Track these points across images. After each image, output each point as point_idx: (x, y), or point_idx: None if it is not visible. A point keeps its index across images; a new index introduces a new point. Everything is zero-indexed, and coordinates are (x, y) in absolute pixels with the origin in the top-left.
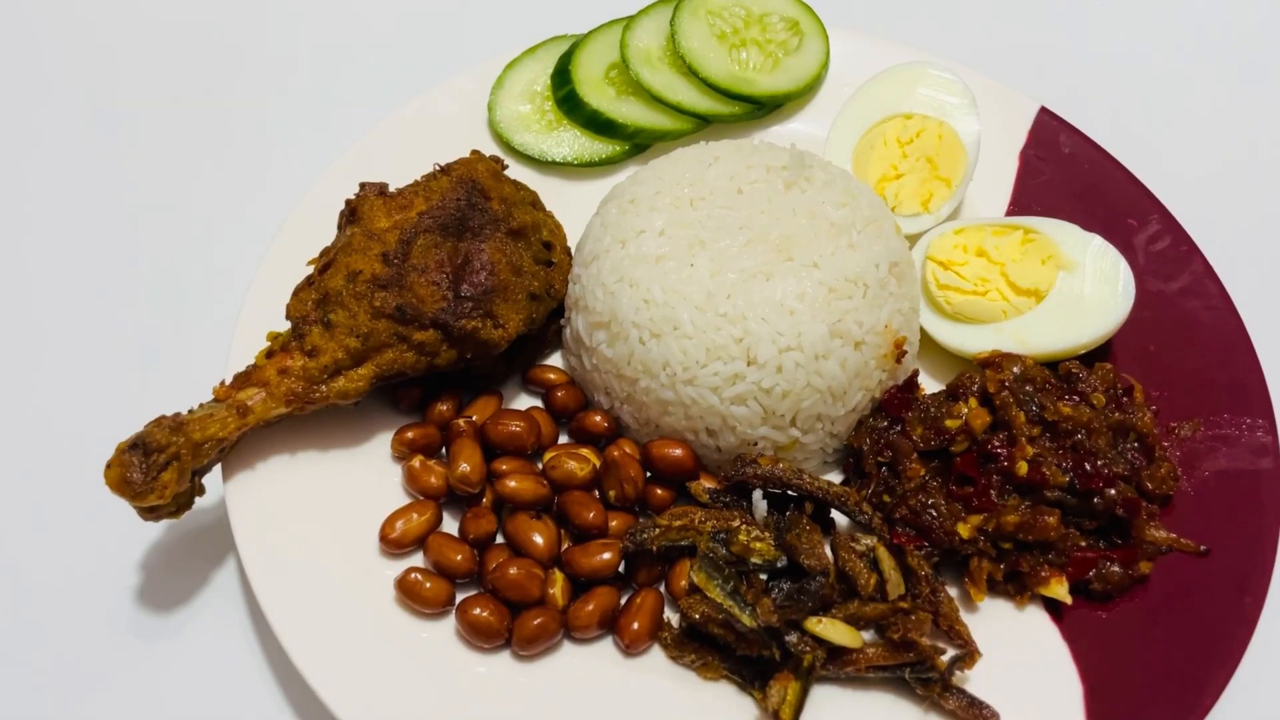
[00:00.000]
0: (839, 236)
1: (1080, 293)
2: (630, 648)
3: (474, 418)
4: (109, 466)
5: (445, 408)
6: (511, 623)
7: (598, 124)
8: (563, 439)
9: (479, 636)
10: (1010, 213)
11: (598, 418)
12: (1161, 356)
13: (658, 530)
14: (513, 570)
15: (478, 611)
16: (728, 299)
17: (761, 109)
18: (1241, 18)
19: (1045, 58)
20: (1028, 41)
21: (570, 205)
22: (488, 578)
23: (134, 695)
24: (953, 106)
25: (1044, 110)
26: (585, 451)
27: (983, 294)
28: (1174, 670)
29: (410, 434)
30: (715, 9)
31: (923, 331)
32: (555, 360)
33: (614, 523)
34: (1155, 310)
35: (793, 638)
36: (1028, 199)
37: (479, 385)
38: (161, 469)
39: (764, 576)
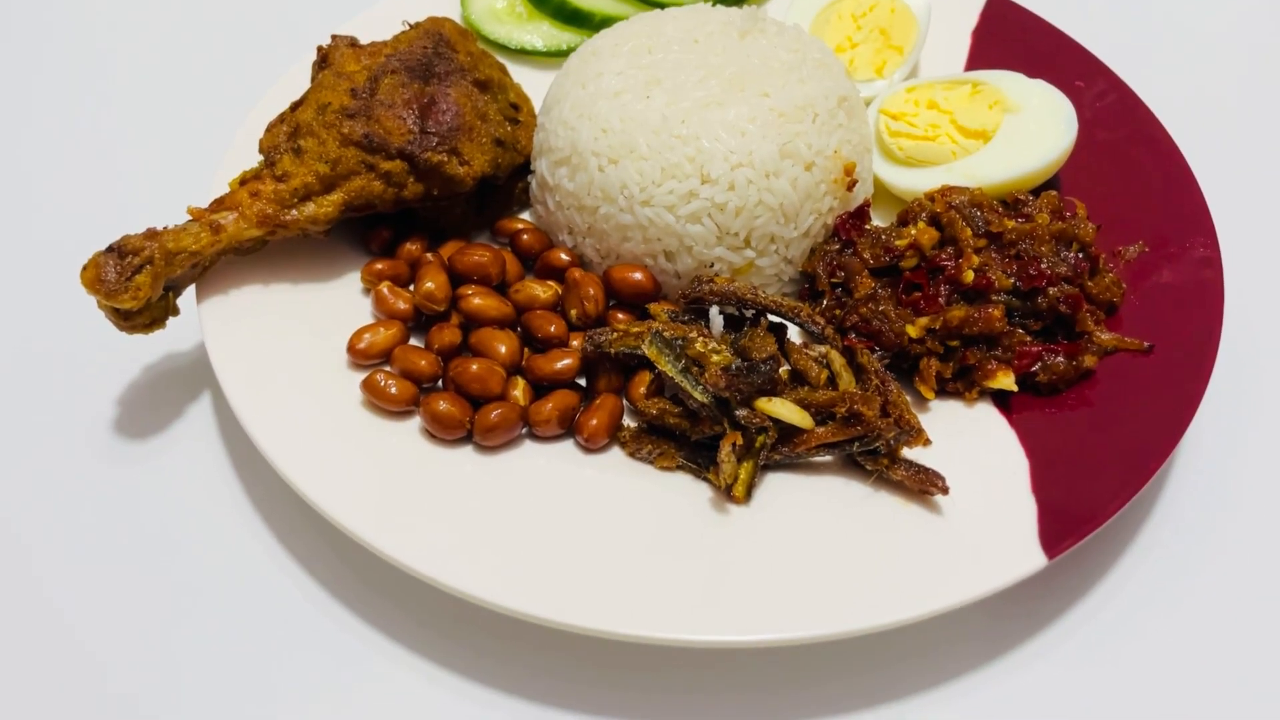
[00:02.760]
0: (789, 73)
1: (1026, 129)
2: (589, 441)
3: (442, 254)
4: (85, 267)
5: (414, 247)
6: (473, 416)
7: (565, 13)
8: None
9: (442, 428)
10: None
11: (561, 254)
12: (1109, 195)
13: (615, 334)
14: (474, 366)
15: (441, 405)
16: (682, 124)
17: None
18: None
19: None
20: None
21: (540, 89)
22: (450, 377)
23: (115, 514)
24: None
25: None
26: (549, 283)
27: (933, 138)
28: (1118, 447)
29: (379, 265)
30: None
31: (876, 181)
32: (524, 217)
33: (575, 341)
34: (1101, 157)
35: (744, 412)
36: (979, 69)
37: (449, 235)
38: (135, 270)
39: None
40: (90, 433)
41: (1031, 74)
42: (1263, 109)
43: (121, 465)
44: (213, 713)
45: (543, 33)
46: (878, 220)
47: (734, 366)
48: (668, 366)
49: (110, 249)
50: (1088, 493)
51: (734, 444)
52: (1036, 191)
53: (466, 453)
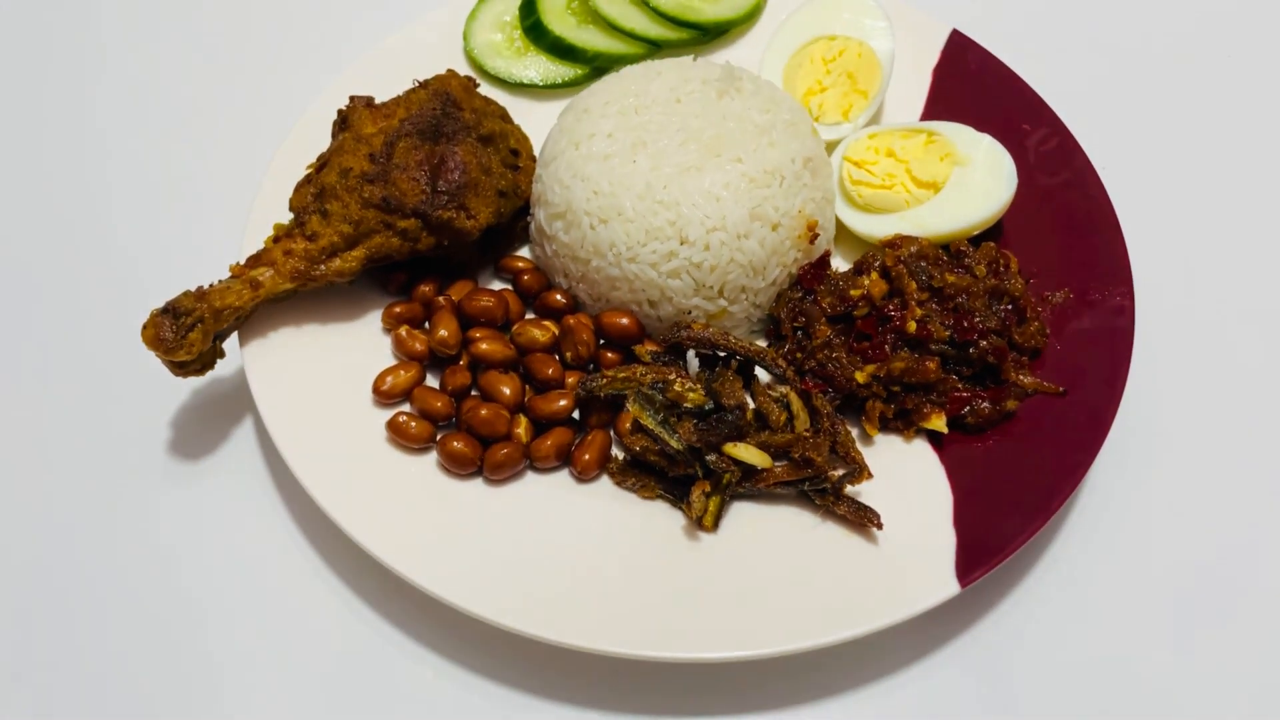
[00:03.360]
0: (761, 136)
1: (971, 183)
2: (582, 474)
3: (452, 296)
4: (145, 327)
5: (428, 288)
6: (483, 454)
7: (560, 49)
8: (529, 316)
9: (456, 465)
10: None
11: (558, 295)
12: (1043, 238)
13: (604, 380)
14: (484, 411)
15: (456, 445)
16: (664, 189)
17: (706, 35)
18: None
19: None
20: None
21: (538, 122)
22: (463, 419)
23: (163, 535)
24: (871, 28)
25: (955, 32)
26: (547, 323)
27: (889, 187)
28: (1029, 482)
29: (398, 309)
30: None
31: (838, 222)
32: (523, 253)
33: (570, 379)
34: (1040, 202)
35: (712, 457)
36: (938, 109)
37: (457, 273)
38: (189, 329)
39: (694, 420)
40: (143, 453)
41: (985, 113)
42: (1194, 157)
43: (171, 485)
44: None
45: (539, 67)
46: (840, 257)
47: (702, 423)
48: (648, 420)
49: (165, 310)
50: (999, 526)
51: (703, 490)
52: (978, 240)
53: (477, 484)
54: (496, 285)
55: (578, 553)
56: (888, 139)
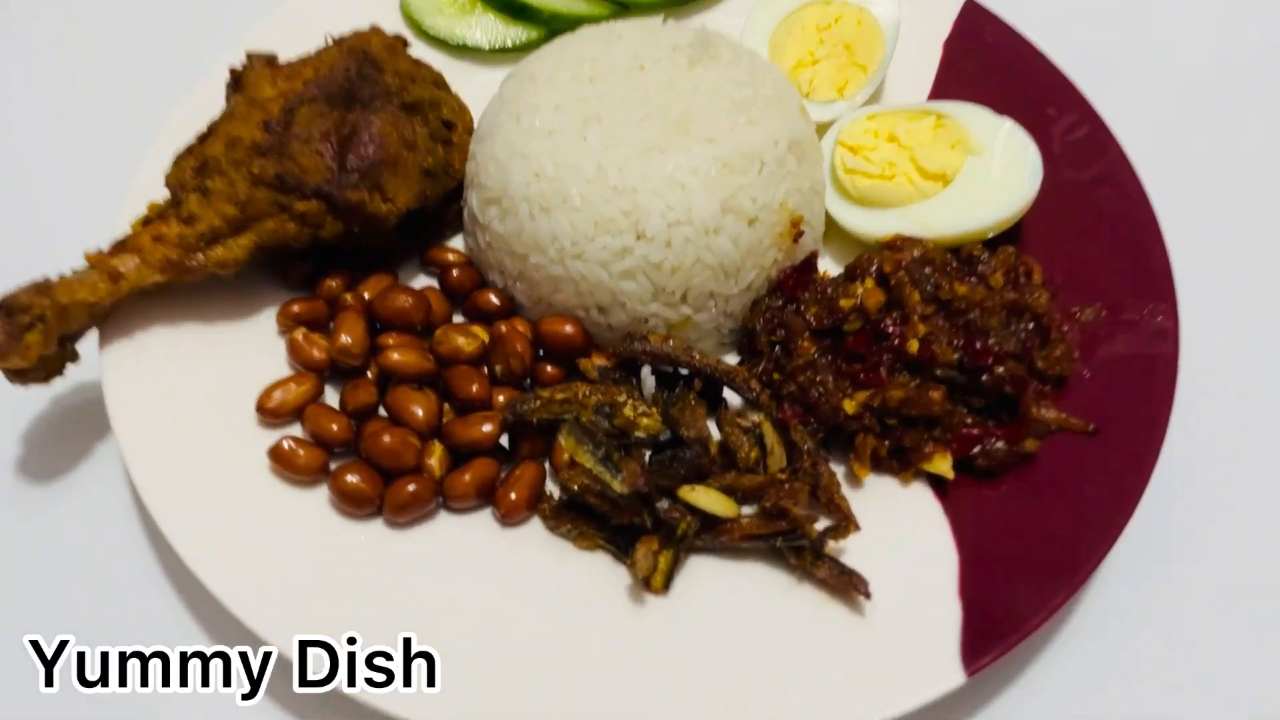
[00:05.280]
0: (738, 113)
1: (987, 176)
2: (506, 517)
3: (364, 294)
4: None
5: (335, 284)
6: (384, 490)
7: (512, 8)
8: (457, 320)
9: (350, 504)
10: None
11: (491, 296)
12: (1070, 244)
13: (538, 402)
14: (386, 437)
15: (350, 478)
16: (619, 172)
17: None
18: None
19: None
20: None
21: (482, 90)
22: (363, 446)
23: (9, 568)
24: None
25: (970, 1)
26: (475, 329)
27: (889, 178)
28: (1049, 547)
29: (296, 308)
30: None
31: (828, 218)
32: (457, 243)
33: (500, 399)
34: (1067, 198)
35: (665, 504)
36: (949, 88)
37: (374, 264)
38: (26, 329)
39: (648, 453)
40: None
41: (1003, 94)
42: (1244, 154)
43: (19, 511)
44: None
45: (487, 27)
46: (830, 259)
47: (653, 461)
48: (585, 458)
49: None
50: (1014, 598)
51: (651, 548)
52: (994, 244)
53: (376, 527)
54: (422, 281)
55: (496, 617)
56: (889, 121)
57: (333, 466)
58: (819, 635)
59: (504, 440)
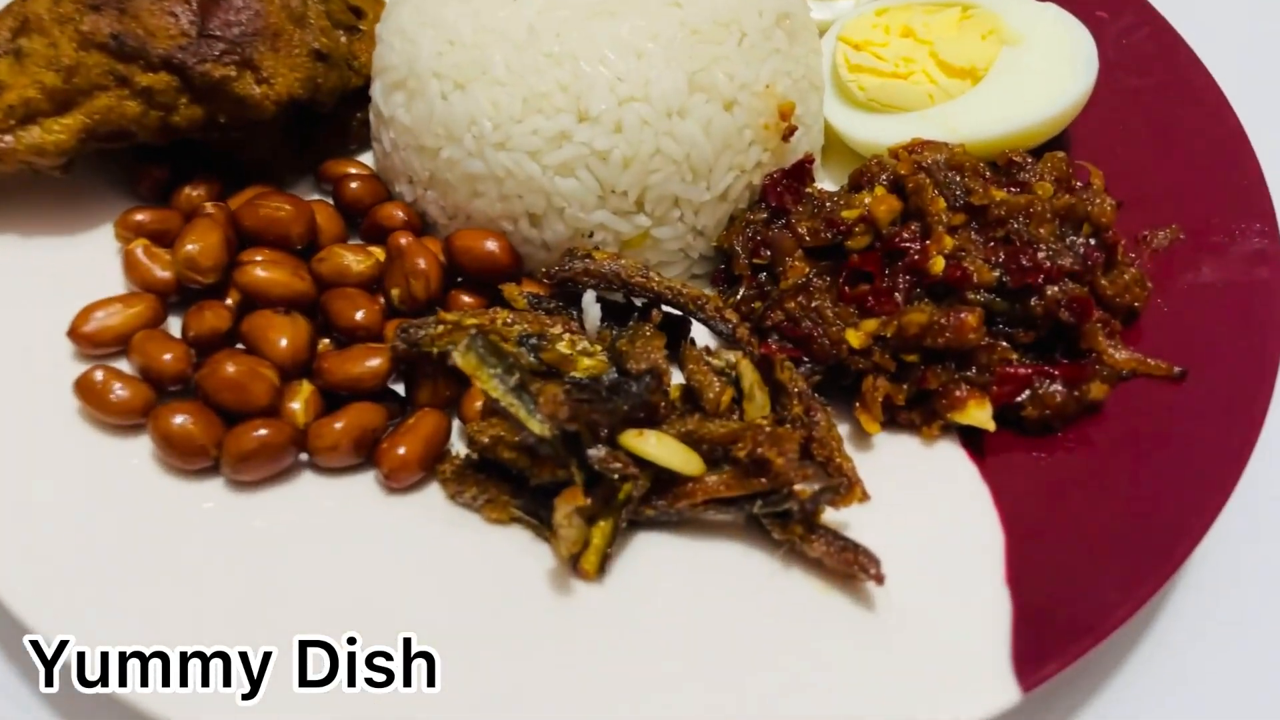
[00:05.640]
0: None
1: (1028, 68)
2: (390, 478)
3: (229, 205)
4: None
5: (196, 193)
6: (222, 437)
7: None
8: (354, 243)
9: (174, 452)
10: None
11: (395, 209)
12: (1134, 157)
13: (441, 328)
14: (230, 366)
15: (176, 419)
16: (556, 37)
17: None
18: None
19: None
20: None
21: None
22: (198, 377)
23: None
24: None
25: None
26: (373, 249)
27: (904, 75)
28: (1126, 524)
29: (140, 216)
30: None
31: (829, 130)
32: (367, 161)
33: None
34: (1127, 111)
35: (600, 452)
36: None
37: (254, 178)
38: None
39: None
40: None
41: None
42: None
43: None
44: None
45: None
46: (827, 184)
47: (586, 382)
48: (491, 384)
49: None
50: (1081, 589)
51: (575, 507)
52: (1038, 152)
53: (215, 486)
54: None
55: (368, 616)
56: (903, 14)
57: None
58: (816, 639)
59: (402, 390)
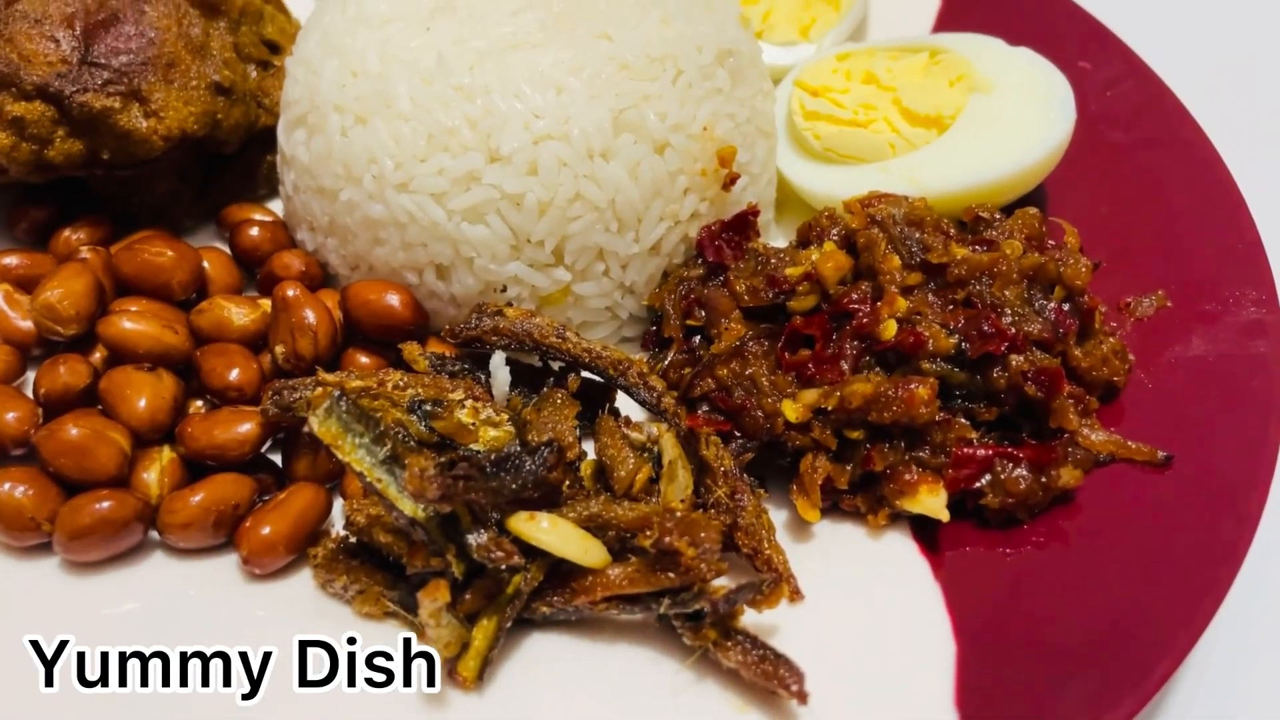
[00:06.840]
0: (651, 8)
1: (999, 116)
2: (249, 561)
3: (110, 250)
4: None
5: (76, 237)
6: (57, 510)
7: None
8: (249, 295)
9: (3, 527)
10: None
11: (292, 261)
12: (1118, 220)
13: (320, 390)
14: (72, 430)
15: (5, 487)
16: (468, 69)
17: None
18: None
19: None
20: None
21: None
22: (37, 440)
23: None
24: None
25: None
26: (262, 301)
27: (864, 124)
28: (1099, 638)
29: (10, 259)
30: None
31: (782, 183)
32: (276, 209)
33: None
34: (1112, 165)
35: (481, 538)
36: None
37: (147, 222)
38: None
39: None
40: None
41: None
42: None
43: None
44: None
45: None
46: (780, 242)
47: (465, 455)
48: (354, 455)
49: None
50: (1044, 715)
51: (441, 603)
52: (1010, 209)
53: (48, 567)
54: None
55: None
56: (866, 59)
57: None
58: None
59: (279, 461)
